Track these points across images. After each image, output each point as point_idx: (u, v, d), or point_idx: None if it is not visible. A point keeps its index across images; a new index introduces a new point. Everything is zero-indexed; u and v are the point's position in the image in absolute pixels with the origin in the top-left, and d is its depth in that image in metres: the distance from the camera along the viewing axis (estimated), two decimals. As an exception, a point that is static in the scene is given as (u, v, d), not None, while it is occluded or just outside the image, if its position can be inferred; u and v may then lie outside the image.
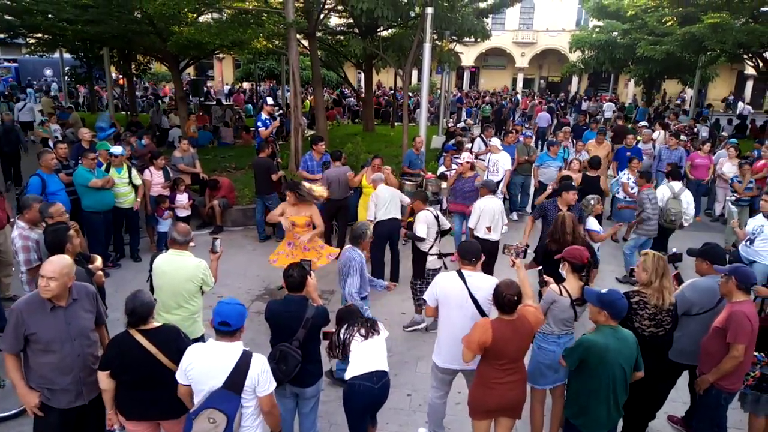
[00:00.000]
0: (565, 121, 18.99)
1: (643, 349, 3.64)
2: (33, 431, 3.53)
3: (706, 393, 3.96)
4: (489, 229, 6.49)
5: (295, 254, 6.11)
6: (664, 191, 7.51)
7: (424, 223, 6.02)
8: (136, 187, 7.83)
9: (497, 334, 3.49)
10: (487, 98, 27.72)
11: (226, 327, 3.06)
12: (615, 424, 3.74)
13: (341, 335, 3.86)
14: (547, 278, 4.24)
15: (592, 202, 6.37)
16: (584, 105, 26.04)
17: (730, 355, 3.71)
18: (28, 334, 3.26)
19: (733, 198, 8.99)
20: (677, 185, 7.59)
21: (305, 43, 14.68)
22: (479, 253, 4.21)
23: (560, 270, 4.25)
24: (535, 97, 29.55)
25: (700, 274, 4.31)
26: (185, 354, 3.12)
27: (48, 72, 29.97)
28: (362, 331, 3.81)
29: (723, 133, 16.51)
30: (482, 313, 3.92)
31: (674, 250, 6.24)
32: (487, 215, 6.49)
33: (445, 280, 4.11)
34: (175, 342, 3.34)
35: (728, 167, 10.21)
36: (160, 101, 24.04)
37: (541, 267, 4.62)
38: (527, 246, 4.48)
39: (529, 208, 10.65)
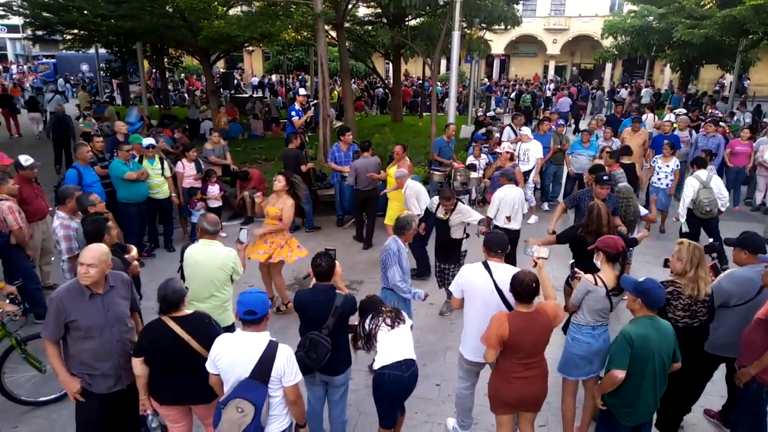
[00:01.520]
0: (582, 105, 18.63)
1: (677, 341, 3.56)
2: (75, 416, 3.65)
3: (747, 386, 3.83)
4: (509, 218, 6.43)
5: (272, 250, 6.04)
6: (692, 183, 7.27)
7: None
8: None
9: (513, 327, 3.44)
10: (526, 87, 27.23)
11: (252, 315, 3.10)
12: (652, 415, 3.69)
13: (366, 326, 3.86)
14: (578, 272, 4.15)
15: (625, 191, 6.26)
16: (623, 93, 25.22)
17: (774, 347, 3.59)
18: (68, 322, 3.35)
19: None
20: (704, 173, 7.34)
21: (333, 34, 14.70)
22: (506, 244, 4.14)
23: (594, 260, 4.17)
24: (567, 86, 28.98)
25: (738, 264, 4.16)
26: (214, 344, 3.17)
27: (84, 67, 30.75)
28: (387, 321, 3.81)
29: (765, 119, 15.90)
30: (508, 306, 3.85)
31: (711, 240, 6.09)
32: (507, 205, 6.43)
33: (471, 271, 4.05)
34: (206, 328, 3.41)
35: (770, 154, 9.83)
36: (194, 95, 24.42)
37: (573, 261, 4.53)
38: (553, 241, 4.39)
39: (560, 198, 10.47)
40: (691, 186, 7.29)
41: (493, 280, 3.91)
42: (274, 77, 31.87)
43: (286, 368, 3.10)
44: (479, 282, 3.96)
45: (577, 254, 5.16)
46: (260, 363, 3.05)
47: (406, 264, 4.93)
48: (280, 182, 6.02)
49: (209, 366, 3.19)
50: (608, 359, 3.58)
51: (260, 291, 3.23)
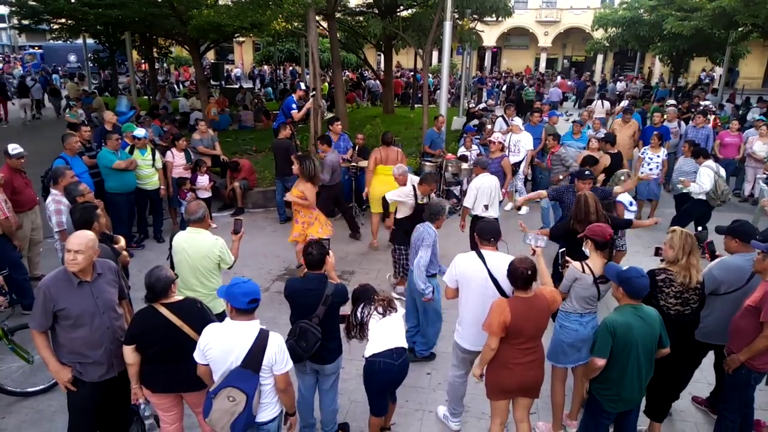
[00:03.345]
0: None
1: (668, 328, 3.59)
2: (67, 406, 3.62)
3: (735, 372, 3.87)
4: (486, 207, 6.47)
5: (311, 229, 6.45)
6: (708, 173, 7.29)
7: None
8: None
9: (515, 313, 3.46)
10: (518, 80, 27.12)
11: (255, 304, 3.09)
12: (639, 402, 3.71)
13: (358, 314, 3.85)
14: (568, 259, 4.17)
15: (622, 177, 6.31)
16: (618, 86, 25.35)
17: (764, 334, 3.61)
18: (57, 311, 3.31)
19: (765, 176, 8.75)
20: (713, 164, 7.45)
21: (324, 24, 14.59)
22: (498, 232, 4.13)
23: (583, 248, 4.18)
24: (558, 77, 29.08)
25: (729, 251, 4.20)
26: (202, 335, 3.13)
27: (72, 58, 30.40)
28: (379, 309, 3.80)
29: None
30: (502, 294, 3.85)
31: (700, 228, 6.14)
32: (484, 193, 6.47)
33: (465, 261, 4.03)
34: (199, 313, 3.39)
35: (759, 146, 9.93)
36: (180, 85, 24.19)
37: (563, 249, 4.53)
38: (547, 236, 4.39)
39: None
40: (707, 176, 7.30)
41: (488, 269, 3.90)
42: (266, 68, 31.65)
43: (278, 356, 3.09)
44: (474, 271, 3.95)
45: (568, 243, 5.17)
46: (252, 351, 3.03)
47: (438, 251, 4.99)
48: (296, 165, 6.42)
49: (198, 356, 3.15)
50: (591, 346, 3.61)
51: (248, 280, 3.18)
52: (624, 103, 15.90)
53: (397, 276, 6.49)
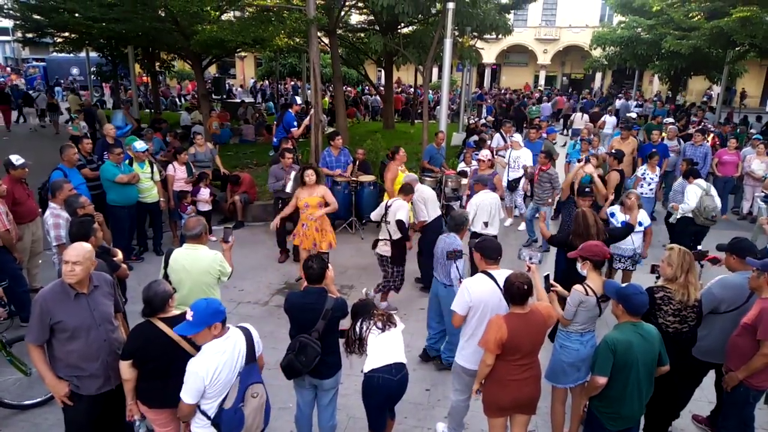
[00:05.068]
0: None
1: (666, 346, 3.58)
2: (64, 419, 3.60)
3: (734, 391, 3.86)
4: (486, 224, 6.42)
5: (309, 234, 6.57)
6: (695, 191, 7.29)
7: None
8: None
9: (512, 329, 3.44)
10: (517, 97, 27.29)
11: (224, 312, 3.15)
12: (638, 420, 3.69)
13: (357, 329, 3.84)
14: (554, 285, 4.14)
15: (632, 197, 6.35)
16: (617, 103, 25.46)
17: (761, 352, 3.61)
18: (53, 323, 3.30)
19: (763, 195, 8.79)
20: (702, 182, 7.45)
21: (326, 40, 14.73)
22: (501, 250, 4.13)
23: (580, 269, 4.13)
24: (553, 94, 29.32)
25: (729, 269, 4.21)
26: (198, 370, 2.98)
27: (75, 71, 30.57)
28: (379, 324, 3.79)
29: (751, 130, 16.13)
30: None
31: (699, 247, 6.16)
32: (484, 210, 6.41)
33: (477, 284, 3.94)
34: None
35: (756, 164, 9.98)
36: (182, 99, 24.31)
37: (547, 274, 4.48)
38: (542, 252, 4.41)
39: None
40: (694, 193, 7.28)
41: (500, 289, 3.81)
42: (267, 82, 31.90)
43: (259, 340, 3.37)
44: (489, 294, 3.88)
45: (567, 266, 5.14)
46: (248, 347, 3.23)
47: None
48: (312, 176, 6.54)
49: (194, 396, 3.02)
50: (592, 365, 3.60)
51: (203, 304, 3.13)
52: (606, 117, 16.10)
53: (380, 290, 6.46)
